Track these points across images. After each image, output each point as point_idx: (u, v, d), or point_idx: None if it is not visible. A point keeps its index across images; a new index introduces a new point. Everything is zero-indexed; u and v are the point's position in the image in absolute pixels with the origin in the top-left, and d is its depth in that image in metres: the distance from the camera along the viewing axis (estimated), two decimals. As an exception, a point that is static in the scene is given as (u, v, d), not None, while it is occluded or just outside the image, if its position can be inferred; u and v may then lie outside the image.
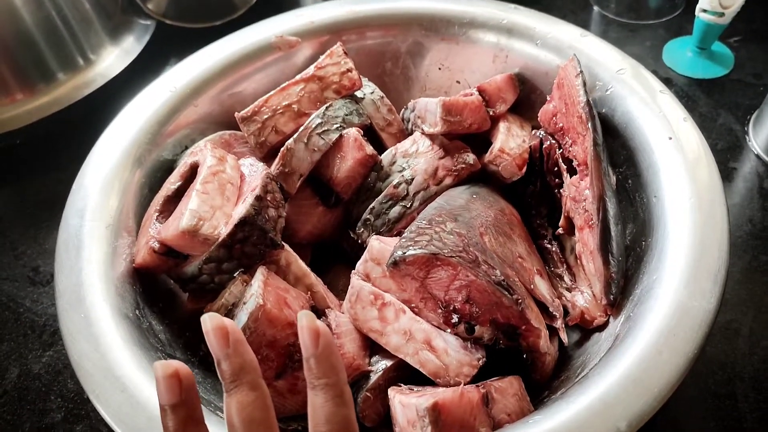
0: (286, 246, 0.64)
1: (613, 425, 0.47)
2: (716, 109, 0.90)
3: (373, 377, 0.60)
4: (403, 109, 0.76)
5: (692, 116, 0.88)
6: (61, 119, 0.94)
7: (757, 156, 0.84)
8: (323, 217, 0.71)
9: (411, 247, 0.56)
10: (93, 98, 0.95)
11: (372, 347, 0.62)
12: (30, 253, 0.84)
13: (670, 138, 0.63)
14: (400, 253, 0.56)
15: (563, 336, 0.59)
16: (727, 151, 0.86)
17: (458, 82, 0.83)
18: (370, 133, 0.76)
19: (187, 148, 0.74)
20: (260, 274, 0.59)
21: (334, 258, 0.75)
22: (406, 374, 0.60)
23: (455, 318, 0.57)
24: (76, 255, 0.62)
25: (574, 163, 0.65)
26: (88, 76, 0.97)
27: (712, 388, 0.65)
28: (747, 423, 0.63)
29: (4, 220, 0.88)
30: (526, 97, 0.77)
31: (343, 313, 0.63)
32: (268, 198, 0.63)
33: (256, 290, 0.57)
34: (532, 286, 0.59)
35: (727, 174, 0.83)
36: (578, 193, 0.64)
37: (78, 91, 0.95)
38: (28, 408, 0.70)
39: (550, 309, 0.59)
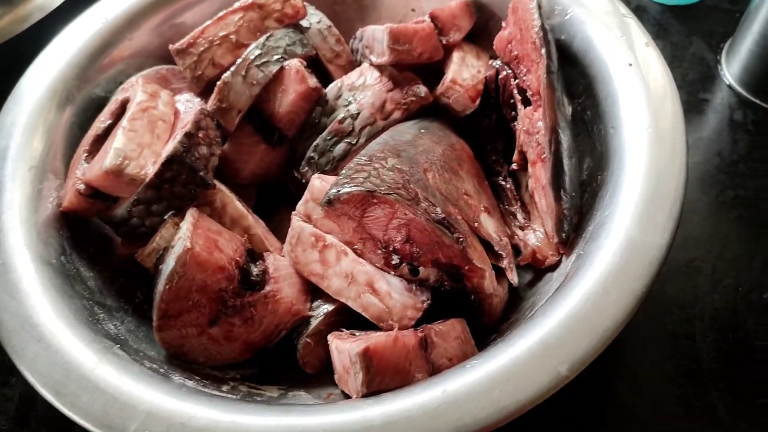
0: (221, 186, 0.61)
1: (554, 368, 0.44)
2: (689, 37, 0.86)
3: (314, 322, 0.57)
4: (351, 39, 0.72)
5: (663, 45, 0.84)
6: (-2, 56, 0.88)
7: (729, 86, 0.80)
8: (266, 156, 0.67)
9: (346, 185, 0.52)
10: (31, 33, 0.89)
11: (314, 292, 0.59)
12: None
13: (630, 64, 0.59)
14: (334, 191, 0.52)
15: (510, 276, 0.56)
16: (698, 81, 0.81)
17: (413, 10, 0.78)
18: (317, 65, 0.71)
19: (121, 84, 0.70)
20: (190, 216, 0.56)
21: (282, 200, 0.71)
22: (349, 319, 0.57)
23: (396, 259, 0.54)
24: (-5, 199, 0.58)
25: (528, 93, 0.61)
26: (26, 9, 0.91)
27: (669, 328, 0.62)
28: (704, 363, 0.60)
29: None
30: (484, 24, 0.72)
31: (283, 256, 0.60)
32: (200, 135, 0.59)
33: (184, 233, 0.54)
34: (476, 224, 0.55)
35: (697, 105, 0.79)
36: (531, 125, 0.59)
37: (15, 26, 0.89)
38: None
39: (496, 248, 0.56)
